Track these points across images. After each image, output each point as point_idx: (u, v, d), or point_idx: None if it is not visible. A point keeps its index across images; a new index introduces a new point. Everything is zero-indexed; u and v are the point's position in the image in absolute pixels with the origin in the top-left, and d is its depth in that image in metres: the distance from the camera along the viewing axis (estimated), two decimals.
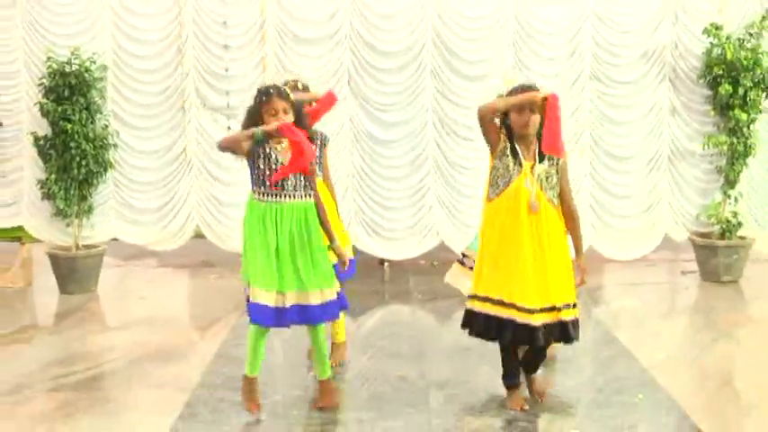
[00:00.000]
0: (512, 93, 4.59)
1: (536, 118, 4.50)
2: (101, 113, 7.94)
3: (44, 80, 7.71)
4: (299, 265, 4.53)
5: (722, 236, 8.05)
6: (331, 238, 4.76)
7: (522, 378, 4.86)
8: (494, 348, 5.12)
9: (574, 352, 5.74)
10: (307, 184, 4.59)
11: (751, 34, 7.93)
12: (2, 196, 8.19)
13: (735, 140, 7.98)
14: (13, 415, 4.83)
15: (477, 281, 4.70)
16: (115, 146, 8.02)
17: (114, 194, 8.24)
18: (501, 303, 4.56)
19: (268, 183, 4.51)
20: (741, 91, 7.84)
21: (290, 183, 4.53)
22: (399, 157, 8.35)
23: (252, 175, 4.57)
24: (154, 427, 4.61)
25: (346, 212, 8.08)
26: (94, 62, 7.80)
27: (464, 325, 4.79)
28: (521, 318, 4.49)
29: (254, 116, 4.51)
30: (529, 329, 4.50)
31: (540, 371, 4.93)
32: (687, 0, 8.24)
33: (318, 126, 5.41)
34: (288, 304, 4.51)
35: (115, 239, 8.34)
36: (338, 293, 4.69)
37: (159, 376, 5.48)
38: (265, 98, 4.48)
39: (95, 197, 8.03)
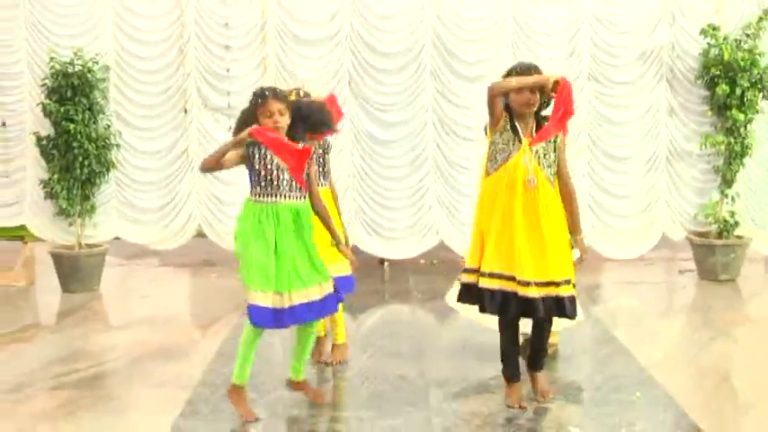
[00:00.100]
0: (517, 72, 4.59)
1: (535, 98, 4.53)
2: (103, 114, 7.93)
3: (47, 81, 7.71)
4: (297, 263, 4.51)
5: (719, 235, 8.04)
6: (338, 242, 4.75)
7: (524, 377, 4.84)
8: (493, 346, 5.11)
9: (573, 350, 5.74)
10: (303, 185, 4.57)
11: (748, 35, 7.93)
12: (5, 196, 8.19)
13: (732, 140, 7.97)
14: (15, 413, 4.81)
15: (476, 255, 4.70)
16: (117, 146, 8.01)
17: (116, 194, 8.23)
18: (502, 277, 4.57)
19: (264, 184, 4.49)
20: (738, 91, 7.83)
21: (285, 183, 4.51)
22: (399, 157, 8.34)
23: (251, 179, 4.56)
24: (155, 425, 4.60)
25: (346, 212, 8.06)
26: (97, 63, 7.80)
27: (465, 299, 4.79)
28: (521, 291, 4.50)
29: (248, 118, 4.50)
30: (528, 301, 4.50)
31: (543, 372, 4.89)
32: (684, 1, 8.23)
33: None
34: (287, 305, 4.48)
35: (117, 239, 8.33)
36: (334, 287, 4.68)
37: (161, 375, 5.46)
38: (261, 100, 4.46)
39: (98, 197, 8.02)
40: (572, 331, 5.64)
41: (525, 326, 4.90)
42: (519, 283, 4.52)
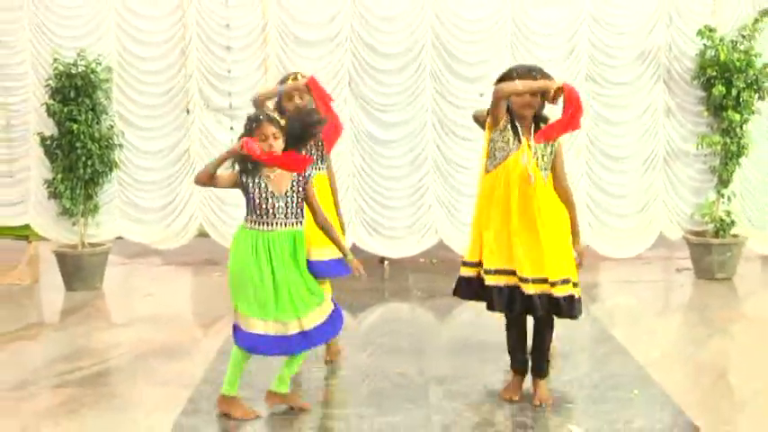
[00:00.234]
0: (518, 74, 4.58)
1: (536, 100, 4.54)
2: (106, 114, 7.92)
3: (51, 81, 7.70)
4: (295, 289, 4.48)
5: (716, 234, 8.03)
6: (345, 253, 4.74)
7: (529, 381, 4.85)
8: (492, 344, 5.12)
9: (571, 348, 5.73)
10: (298, 211, 4.55)
11: (744, 36, 7.92)
12: (9, 195, 8.18)
13: (728, 141, 7.96)
14: (19, 411, 4.80)
15: (476, 249, 4.70)
16: (120, 146, 8.00)
17: (119, 194, 8.22)
18: (506, 272, 4.57)
19: (259, 212, 4.48)
20: (734, 92, 7.82)
21: (280, 211, 4.49)
22: (399, 157, 8.33)
23: (247, 205, 4.54)
24: (158, 423, 4.59)
25: (347, 212, 8.05)
26: (100, 64, 7.79)
27: (461, 294, 4.80)
28: (522, 287, 4.51)
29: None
30: (529, 298, 4.51)
31: (545, 380, 4.87)
32: (681, 2, 8.22)
33: None
34: (295, 332, 4.47)
35: (120, 238, 8.32)
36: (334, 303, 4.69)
37: (163, 373, 5.46)
38: (256, 124, 4.45)
39: (101, 196, 8.01)
40: (570, 330, 5.62)
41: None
42: (520, 279, 4.53)
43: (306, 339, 4.51)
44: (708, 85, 7.98)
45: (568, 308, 4.55)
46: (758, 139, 8.20)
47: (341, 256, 4.88)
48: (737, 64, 7.76)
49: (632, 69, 8.26)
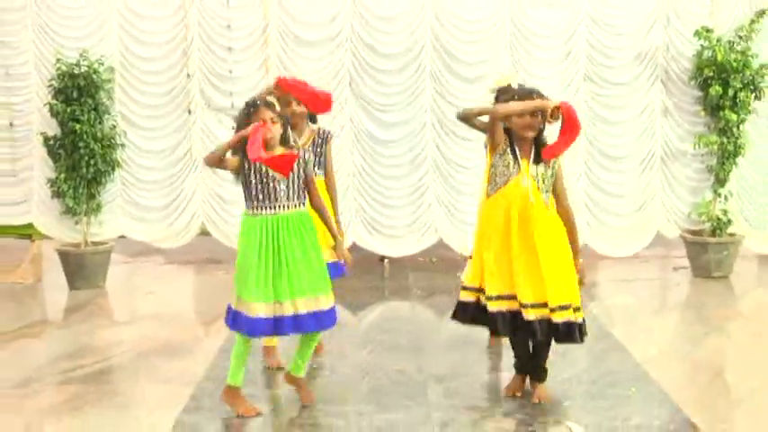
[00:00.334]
0: (519, 97, 4.59)
1: (537, 121, 4.51)
2: (108, 114, 7.92)
3: (53, 82, 7.70)
4: (300, 272, 4.48)
5: (713, 233, 8.03)
6: (334, 237, 4.75)
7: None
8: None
9: (569, 346, 5.70)
10: (300, 192, 4.55)
11: (740, 37, 7.92)
12: (13, 195, 8.19)
13: (725, 140, 7.97)
14: (23, 408, 4.81)
15: (476, 274, 4.68)
16: (122, 145, 8.01)
17: (122, 193, 8.23)
18: (508, 298, 4.56)
19: (261, 197, 4.48)
20: (731, 92, 7.82)
21: (282, 193, 4.50)
22: (399, 157, 8.34)
23: (245, 192, 4.54)
24: (160, 420, 4.59)
25: (347, 211, 8.07)
26: (102, 64, 7.79)
27: (460, 318, 4.78)
28: (523, 312, 4.51)
29: (242, 128, 4.50)
30: (528, 323, 4.51)
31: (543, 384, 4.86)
32: (679, 3, 8.22)
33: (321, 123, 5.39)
34: (290, 313, 4.46)
35: (123, 236, 8.33)
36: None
37: (165, 370, 5.46)
38: (253, 109, 4.47)
39: (103, 195, 8.02)
40: None
41: None
42: (520, 305, 4.52)
43: (295, 323, 4.49)
44: (705, 86, 7.98)
45: (566, 333, 4.54)
46: (755, 138, 8.20)
47: (334, 259, 4.89)
48: (734, 64, 7.76)
49: (630, 70, 8.27)
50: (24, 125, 8.11)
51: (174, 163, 8.27)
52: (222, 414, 4.61)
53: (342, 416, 4.61)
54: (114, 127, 7.96)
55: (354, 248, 8.11)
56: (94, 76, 7.68)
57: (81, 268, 7.79)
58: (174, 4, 8.13)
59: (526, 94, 4.60)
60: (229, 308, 4.57)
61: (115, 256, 8.18)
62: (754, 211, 8.41)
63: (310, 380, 5.13)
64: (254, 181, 4.48)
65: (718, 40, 7.87)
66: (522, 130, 4.53)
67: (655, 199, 8.40)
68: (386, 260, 8.60)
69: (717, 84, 7.83)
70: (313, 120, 5.40)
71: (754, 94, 7.92)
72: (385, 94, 8.24)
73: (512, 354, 4.87)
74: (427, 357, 5.65)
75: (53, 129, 7.81)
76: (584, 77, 8.26)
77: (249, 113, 4.47)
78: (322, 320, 4.56)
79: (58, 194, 7.82)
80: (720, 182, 8.11)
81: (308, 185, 4.60)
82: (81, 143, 7.60)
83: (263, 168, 4.46)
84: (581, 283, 4.69)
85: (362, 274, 8.02)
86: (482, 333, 5.76)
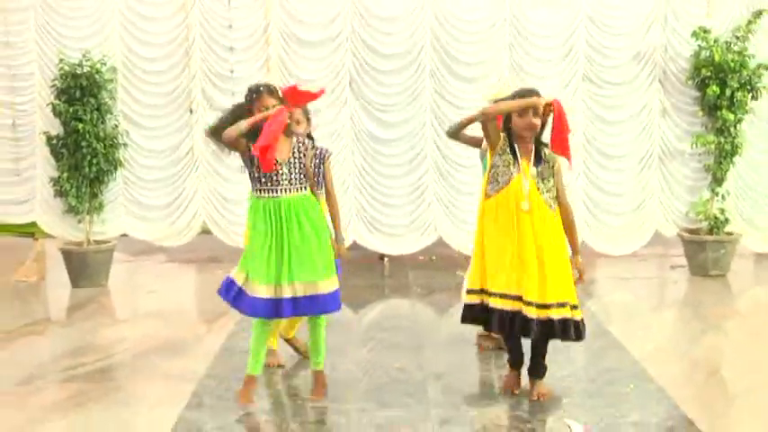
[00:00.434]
0: (515, 96, 4.61)
1: (537, 121, 4.52)
2: (111, 114, 7.93)
3: (56, 82, 7.71)
4: (301, 256, 4.50)
5: (710, 232, 8.04)
6: (336, 222, 4.84)
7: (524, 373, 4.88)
8: None
9: (568, 343, 5.71)
10: (301, 177, 4.58)
11: (738, 37, 7.92)
12: (16, 194, 8.21)
13: (722, 140, 7.97)
14: (27, 405, 4.82)
15: (477, 276, 4.68)
16: (125, 145, 8.01)
17: (124, 192, 8.23)
18: (510, 297, 4.55)
19: (264, 180, 4.51)
20: (728, 92, 7.83)
21: (284, 177, 4.52)
22: (399, 156, 8.34)
23: (250, 174, 4.57)
24: (162, 417, 4.59)
25: (348, 210, 8.07)
26: (105, 64, 7.80)
27: (469, 320, 4.78)
28: (525, 310, 4.51)
29: (242, 114, 4.50)
30: (527, 321, 4.51)
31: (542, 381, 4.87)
32: (677, 4, 8.23)
33: (315, 129, 5.36)
34: (289, 296, 4.49)
35: (125, 235, 8.34)
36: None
37: (167, 368, 5.46)
38: (256, 95, 4.49)
39: (106, 194, 8.03)
40: None
41: None
42: (524, 302, 4.52)
43: (294, 305, 4.52)
44: (702, 86, 7.98)
45: (563, 330, 4.55)
46: (752, 138, 8.21)
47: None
48: (731, 64, 7.77)
49: (628, 70, 8.27)
50: (27, 125, 8.13)
51: (176, 162, 8.28)
52: (224, 411, 4.62)
53: (342, 413, 4.61)
54: (116, 126, 7.97)
55: (355, 247, 8.12)
56: (97, 76, 7.68)
57: (84, 267, 7.80)
58: (175, 4, 8.14)
59: (525, 93, 4.60)
60: (230, 282, 4.58)
61: (117, 255, 8.19)
62: (751, 209, 8.42)
63: (310, 378, 5.14)
64: (257, 163, 4.49)
65: (715, 41, 7.88)
66: (523, 130, 4.54)
67: (653, 198, 8.41)
68: (386, 258, 8.61)
69: (714, 84, 7.84)
70: (309, 136, 5.31)
71: (750, 94, 7.93)
72: (385, 93, 8.24)
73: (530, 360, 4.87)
74: (427, 355, 5.65)
75: (56, 128, 7.81)
76: (582, 77, 8.26)
77: (252, 100, 4.48)
78: (322, 304, 4.57)
79: (60, 193, 7.83)
80: (718, 181, 8.12)
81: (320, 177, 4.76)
82: (83, 142, 7.61)
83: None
84: (580, 279, 4.69)
85: (363, 273, 8.03)
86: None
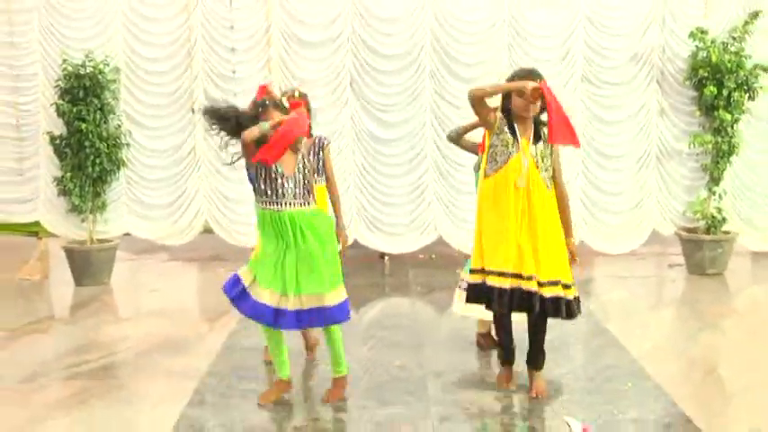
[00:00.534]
0: (515, 76, 4.61)
1: (534, 103, 4.51)
2: (114, 114, 7.93)
3: (60, 82, 7.71)
4: (310, 268, 4.49)
5: (707, 230, 8.04)
6: (338, 215, 5.02)
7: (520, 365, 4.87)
8: None
9: (566, 341, 5.73)
10: (306, 191, 4.57)
11: (734, 38, 7.92)
12: (20, 193, 8.21)
13: (719, 140, 7.97)
14: (30, 402, 4.81)
15: (479, 255, 4.67)
16: (127, 145, 8.01)
17: (126, 191, 8.23)
18: (509, 275, 4.54)
19: (269, 192, 4.50)
20: (725, 92, 7.83)
21: (289, 191, 4.51)
22: (399, 156, 8.34)
23: (254, 184, 4.55)
24: (164, 414, 4.59)
25: (348, 209, 8.07)
26: (108, 65, 7.80)
27: (473, 300, 4.75)
28: (525, 285, 4.50)
29: (243, 121, 4.49)
30: (530, 295, 4.50)
31: (541, 372, 4.86)
32: (675, 5, 8.22)
33: (316, 129, 5.37)
34: (294, 308, 4.48)
35: (127, 234, 8.34)
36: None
37: (170, 365, 5.46)
38: (262, 109, 4.49)
39: (109, 194, 8.03)
40: (565, 323, 5.61)
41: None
42: (523, 278, 4.51)
43: (298, 318, 4.52)
44: (700, 86, 7.98)
45: (554, 309, 4.55)
46: (748, 138, 8.21)
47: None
48: (728, 65, 7.77)
49: (626, 70, 8.27)
50: (31, 125, 8.13)
51: (178, 162, 8.28)
52: (225, 408, 4.62)
53: (344, 410, 4.61)
54: (119, 126, 7.96)
55: (355, 246, 8.11)
56: (100, 77, 7.69)
57: (87, 265, 7.80)
58: (178, 5, 8.13)
59: (526, 74, 4.58)
60: (237, 279, 4.58)
61: (120, 254, 8.18)
62: (747, 208, 8.42)
63: (311, 375, 5.15)
64: (263, 175, 4.49)
65: (712, 42, 7.88)
66: (521, 110, 4.53)
67: (650, 197, 8.40)
68: (386, 257, 8.61)
69: (711, 84, 7.84)
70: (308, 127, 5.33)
71: (747, 95, 7.93)
72: (385, 94, 8.24)
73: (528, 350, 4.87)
74: (427, 353, 5.65)
75: (59, 128, 7.81)
76: (581, 78, 8.26)
77: (258, 114, 4.48)
78: (329, 316, 4.57)
79: (64, 193, 7.82)
80: (715, 180, 8.11)
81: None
82: (87, 142, 7.60)
83: (274, 165, 4.46)
84: (573, 261, 4.69)
85: (363, 271, 8.03)
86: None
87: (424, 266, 8.44)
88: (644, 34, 8.25)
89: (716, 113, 7.90)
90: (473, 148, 5.50)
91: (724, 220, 8.05)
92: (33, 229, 8.30)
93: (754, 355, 5.66)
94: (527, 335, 4.81)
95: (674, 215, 8.38)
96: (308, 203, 4.58)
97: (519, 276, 4.53)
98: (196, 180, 8.29)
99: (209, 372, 5.23)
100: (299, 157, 4.56)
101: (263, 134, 4.41)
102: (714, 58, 7.78)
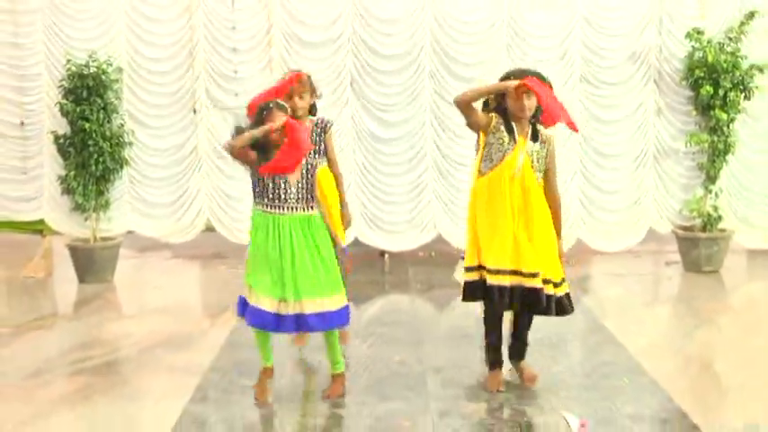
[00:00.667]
0: (508, 76, 4.60)
1: (531, 103, 4.50)
2: (117, 113, 7.93)
3: (64, 82, 7.71)
4: (308, 273, 4.48)
5: (704, 228, 8.04)
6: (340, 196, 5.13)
7: (509, 365, 4.88)
8: None
9: (563, 338, 5.74)
10: (309, 196, 4.56)
11: (731, 38, 7.91)
12: (24, 191, 8.21)
13: (715, 139, 7.97)
14: (34, 398, 4.82)
15: (474, 253, 4.66)
16: (130, 144, 8.01)
17: (129, 190, 8.23)
18: (508, 272, 4.53)
19: (272, 196, 4.48)
20: (721, 92, 7.82)
21: (292, 196, 4.50)
22: (399, 155, 8.34)
23: (255, 188, 4.53)
24: (167, 410, 4.59)
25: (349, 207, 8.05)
26: (111, 65, 7.79)
27: (470, 298, 4.73)
28: (527, 282, 4.50)
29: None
30: (533, 292, 4.49)
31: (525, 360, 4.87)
32: (671, 6, 8.22)
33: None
34: (294, 312, 4.47)
35: (131, 232, 8.34)
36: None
37: (172, 362, 5.47)
38: (266, 112, 4.47)
39: (112, 192, 8.02)
40: (563, 320, 5.61)
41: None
42: (524, 275, 4.50)
43: (298, 322, 4.51)
44: (696, 86, 7.97)
45: (545, 306, 4.54)
46: (744, 137, 8.21)
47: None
48: (724, 65, 7.76)
49: (624, 70, 8.26)
50: (35, 124, 8.12)
51: (181, 161, 8.27)
52: (228, 404, 4.62)
53: (344, 406, 4.61)
54: (122, 126, 7.96)
55: (356, 243, 8.12)
56: (103, 77, 7.68)
57: (90, 263, 7.80)
58: (180, 6, 8.13)
59: (519, 74, 4.57)
60: (241, 298, 4.60)
61: (123, 251, 8.19)
62: (743, 207, 8.41)
63: (312, 372, 5.15)
64: (265, 179, 4.48)
65: (708, 42, 7.87)
66: (517, 111, 4.53)
67: (647, 195, 8.40)
68: (386, 255, 8.61)
69: (708, 84, 7.83)
70: (312, 112, 5.33)
71: (743, 94, 7.92)
72: (385, 94, 8.24)
73: (511, 345, 4.88)
74: (426, 349, 5.65)
75: (63, 127, 7.81)
76: (579, 78, 8.25)
77: (262, 117, 4.48)
78: (328, 321, 4.55)
79: (67, 191, 7.83)
80: (711, 179, 8.11)
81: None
82: (90, 141, 7.61)
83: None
84: (561, 259, 4.68)
85: (363, 269, 8.03)
86: (480, 325, 5.76)
87: (424, 264, 8.44)
88: (641, 35, 8.24)
89: (712, 113, 7.90)
90: (474, 125, 5.39)
91: (720, 218, 8.05)
92: (37, 227, 8.30)
93: (750, 352, 5.66)
94: (509, 331, 4.81)
95: (670, 213, 8.38)
96: (311, 208, 4.57)
97: (518, 273, 4.53)
98: (198, 179, 8.29)
99: (212, 368, 5.23)
100: (304, 162, 4.54)
101: (255, 139, 4.39)
102: (710, 59, 7.78)
